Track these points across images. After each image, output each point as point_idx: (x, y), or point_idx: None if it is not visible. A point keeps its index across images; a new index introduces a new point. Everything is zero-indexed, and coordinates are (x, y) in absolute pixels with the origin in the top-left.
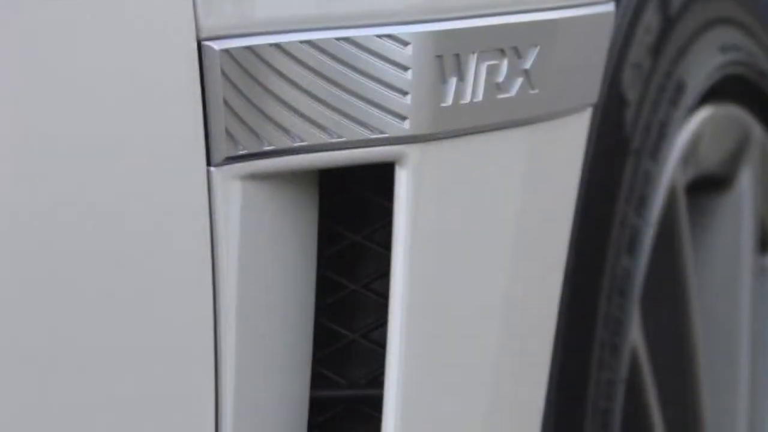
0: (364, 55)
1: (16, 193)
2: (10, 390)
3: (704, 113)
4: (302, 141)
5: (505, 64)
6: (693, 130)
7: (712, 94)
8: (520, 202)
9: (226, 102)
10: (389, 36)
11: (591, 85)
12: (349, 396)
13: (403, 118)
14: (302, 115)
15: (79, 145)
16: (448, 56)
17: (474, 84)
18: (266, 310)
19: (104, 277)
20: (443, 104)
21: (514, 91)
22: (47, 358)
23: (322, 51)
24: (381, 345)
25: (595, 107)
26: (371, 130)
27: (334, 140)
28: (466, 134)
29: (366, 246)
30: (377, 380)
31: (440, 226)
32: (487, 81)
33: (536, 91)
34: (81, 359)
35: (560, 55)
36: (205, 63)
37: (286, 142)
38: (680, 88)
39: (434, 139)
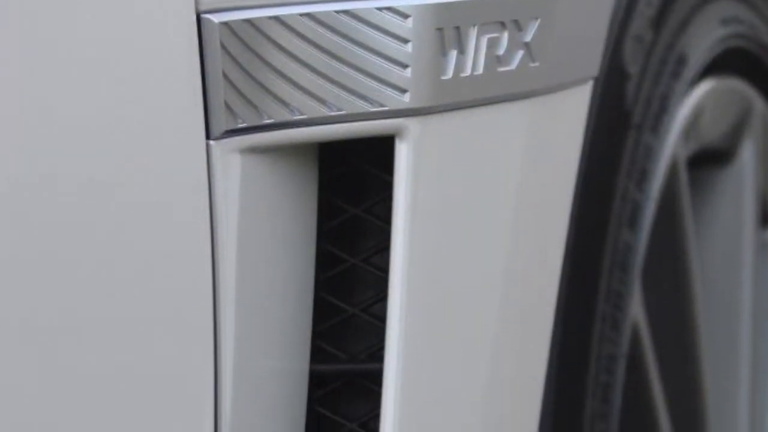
0: (364, 28)
1: (14, 164)
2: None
3: (706, 86)
4: (302, 114)
5: (505, 37)
6: (694, 104)
7: (713, 67)
8: (520, 176)
9: (225, 75)
10: (389, 8)
11: (592, 58)
12: (348, 370)
13: (403, 91)
14: (302, 88)
15: (78, 118)
16: (449, 29)
17: (474, 57)
18: (266, 284)
19: (102, 250)
20: (443, 77)
21: (514, 64)
22: (45, 321)
23: (322, 24)
24: (381, 319)
25: (596, 80)
26: (371, 103)
27: (333, 113)
28: (466, 107)
29: (366, 219)
30: (377, 354)
31: (440, 199)
32: (487, 54)
33: (537, 64)
34: (79, 327)
35: (561, 27)
36: (204, 36)
37: (285, 116)
38: (682, 61)
39: (434, 112)
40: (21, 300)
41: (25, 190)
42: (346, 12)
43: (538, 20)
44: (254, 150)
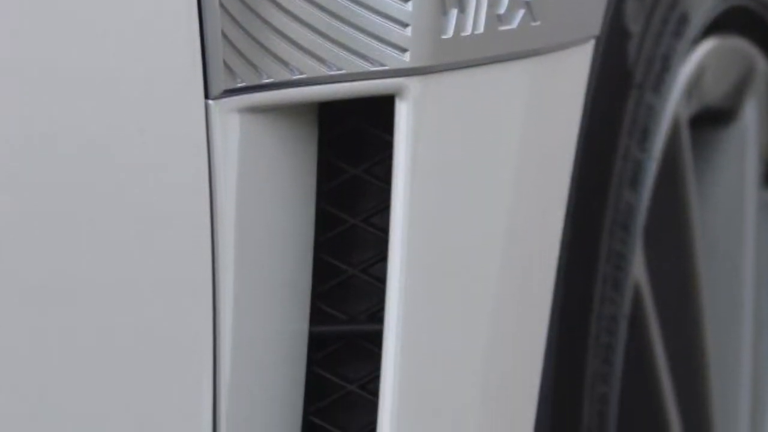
0: None
1: (12, 125)
2: None
3: (708, 46)
4: (301, 73)
5: None
6: (696, 63)
7: (715, 27)
8: (521, 136)
9: (224, 34)
10: None
11: (593, 17)
12: (348, 331)
13: (404, 50)
14: (301, 48)
15: (77, 78)
16: None
17: (475, 16)
18: (265, 245)
19: (101, 210)
20: (444, 36)
21: (515, 23)
22: (42, 271)
23: None
24: (381, 280)
25: (598, 40)
26: (371, 63)
27: (333, 73)
28: (467, 67)
29: (366, 180)
30: (377, 315)
31: (441, 159)
32: (488, 13)
33: (538, 23)
34: (76, 287)
35: None
36: None
37: (284, 75)
38: (684, 20)
39: (435, 72)
40: (19, 252)
41: (23, 150)
42: None
43: None
44: (253, 110)
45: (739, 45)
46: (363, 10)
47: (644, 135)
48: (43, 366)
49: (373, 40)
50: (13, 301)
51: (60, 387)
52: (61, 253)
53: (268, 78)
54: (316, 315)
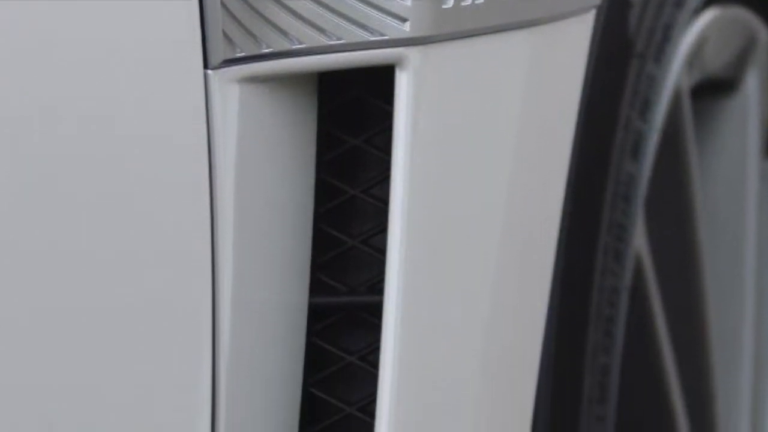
0: None
1: (11, 99)
2: None
3: (709, 15)
4: (301, 43)
5: None
6: (698, 33)
7: None
8: (521, 106)
9: (223, 4)
10: None
11: None
12: (348, 303)
13: (404, 19)
14: (301, 17)
15: (76, 48)
16: None
17: None
18: (264, 215)
19: (100, 182)
20: (444, 6)
21: None
22: (42, 248)
23: None
24: (381, 251)
25: (599, 9)
26: (371, 32)
27: (333, 42)
28: (467, 36)
29: (366, 150)
30: (377, 287)
31: (441, 129)
32: None
33: None
34: (75, 261)
35: None
36: None
37: (284, 45)
38: None
39: (435, 41)
40: (19, 221)
41: (22, 124)
42: None
43: None
44: (253, 80)
45: (741, 15)
46: None
47: (645, 105)
48: (43, 332)
49: (373, 10)
50: (12, 270)
51: (61, 352)
52: (61, 222)
53: (268, 48)
54: (315, 286)
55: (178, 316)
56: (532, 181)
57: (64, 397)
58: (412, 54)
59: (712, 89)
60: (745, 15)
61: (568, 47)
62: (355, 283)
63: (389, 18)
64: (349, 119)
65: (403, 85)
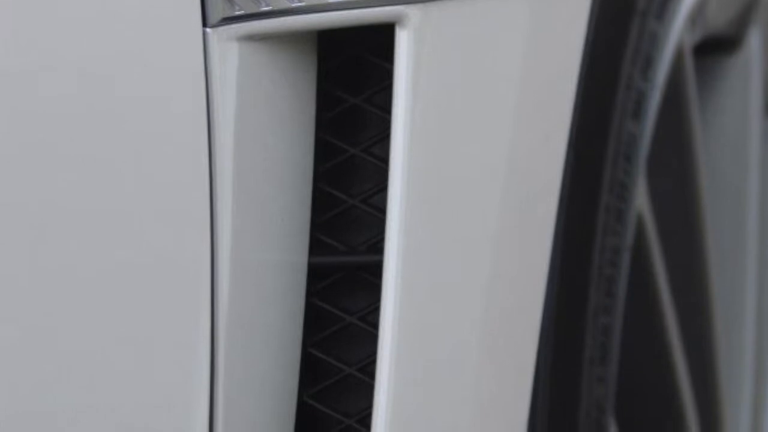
0: None
1: (10, 53)
2: None
3: None
4: (300, 1)
5: None
6: None
7: None
8: (522, 64)
9: None
10: None
11: None
12: (348, 262)
13: None
14: None
15: (74, 7)
16: None
17: None
18: (263, 175)
19: (99, 140)
20: None
21: None
22: (43, 210)
23: None
24: (381, 210)
25: None
26: None
27: (332, 0)
28: None
29: (366, 109)
30: (377, 246)
31: (441, 87)
32: None
33: None
34: (73, 219)
35: None
36: None
37: (283, 3)
38: None
39: (436, 0)
40: (18, 181)
41: (21, 80)
42: None
43: None
44: (252, 38)
45: None
46: None
47: (647, 63)
48: (43, 287)
49: None
50: (10, 228)
51: (60, 311)
52: (60, 178)
53: (267, 6)
54: (315, 246)
55: (177, 277)
56: (533, 140)
57: (62, 355)
58: (412, 12)
59: (715, 47)
60: None
61: (568, 5)
62: (354, 242)
63: None
64: (349, 78)
65: (403, 43)
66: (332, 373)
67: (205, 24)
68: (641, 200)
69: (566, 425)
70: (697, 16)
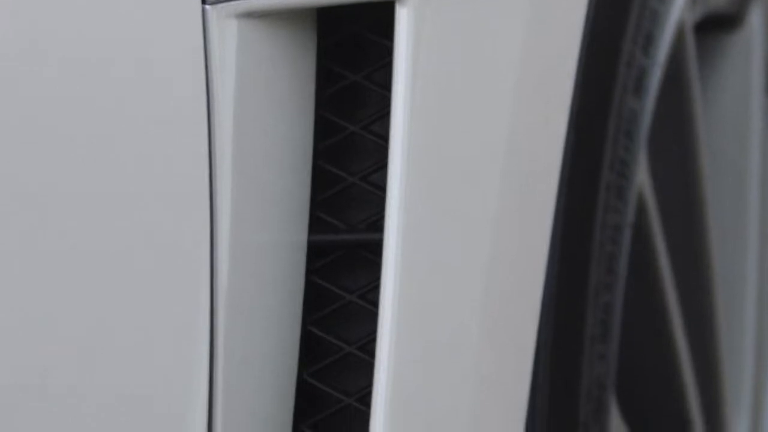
0: None
1: (10, 37)
2: None
3: None
4: None
5: None
6: None
7: None
8: (523, 41)
9: None
10: None
11: None
12: (348, 240)
13: None
14: None
15: None
16: None
17: None
18: (263, 153)
19: (98, 121)
20: None
21: None
22: (44, 189)
23: None
24: (381, 188)
25: None
26: None
27: None
28: None
29: (365, 86)
30: (377, 224)
31: (441, 65)
32: None
33: None
34: (74, 204)
35: None
36: None
37: None
38: None
39: None
40: (16, 157)
41: (19, 61)
42: None
43: None
44: (251, 15)
45: None
46: None
47: (648, 41)
48: (40, 271)
49: None
50: (10, 211)
51: (58, 294)
52: (58, 161)
53: None
54: (315, 224)
55: (176, 256)
56: (533, 118)
57: (62, 337)
58: None
59: (716, 25)
60: None
61: None
62: (354, 220)
63: None
64: (349, 55)
65: (403, 21)
66: (332, 351)
67: (204, 1)
68: (642, 177)
69: (567, 403)
70: None
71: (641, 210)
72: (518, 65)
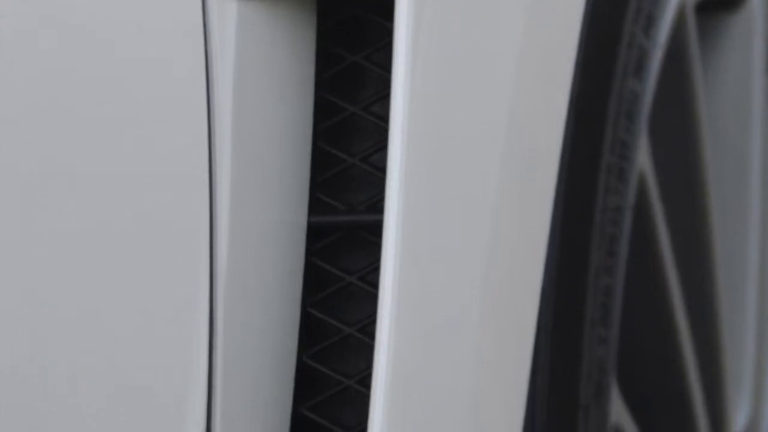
0: None
1: (5, 13)
2: None
3: None
4: None
5: None
6: None
7: None
8: (523, 21)
9: None
10: None
11: None
12: (348, 222)
13: None
14: None
15: None
16: None
17: None
18: (262, 133)
19: (98, 101)
20: None
21: None
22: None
23: None
24: (381, 169)
25: None
26: None
27: None
28: None
29: (365, 67)
30: (377, 206)
31: (442, 45)
32: None
33: None
34: (74, 179)
35: None
36: None
37: None
38: None
39: None
40: (15, 136)
41: (19, 38)
42: None
43: None
44: None
45: None
46: None
47: (649, 22)
48: (39, 250)
49: None
50: (8, 186)
51: (58, 271)
52: (59, 141)
53: None
54: (314, 205)
55: (175, 237)
56: (534, 99)
57: (59, 315)
58: None
59: (717, 5)
60: None
61: None
62: (354, 201)
63: None
64: (349, 36)
65: (403, 1)
66: (332, 333)
67: None
68: (643, 159)
69: (567, 386)
70: None
71: (642, 192)
72: (519, 47)
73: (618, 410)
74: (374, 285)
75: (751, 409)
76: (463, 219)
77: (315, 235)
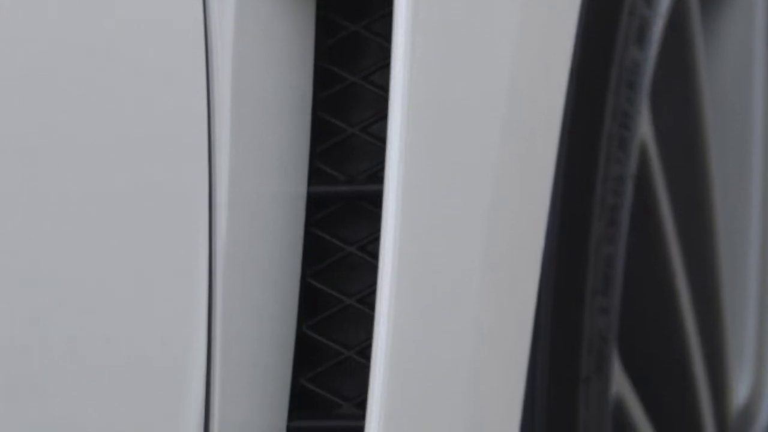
0: None
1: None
2: None
3: None
4: None
5: None
6: None
7: None
8: None
9: None
10: None
11: None
12: (348, 192)
13: None
14: None
15: None
16: None
17: None
18: (262, 102)
19: (95, 77)
20: None
21: None
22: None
23: None
24: (381, 138)
25: None
26: None
27: None
28: None
29: (365, 37)
30: (377, 176)
31: (442, 15)
32: None
33: None
34: (74, 159)
35: None
36: None
37: None
38: None
39: None
40: (15, 122)
41: (18, 29)
42: None
43: None
44: None
45: None
46: None
47: None
48: (38, 218)
49: None
50: (9, 160)
51: (58, 243)
52: (58, 120)
53: None
54: (314, 175)
55: (174, 206)
56: (535, 68)
57: (59, 286)
58: None
59: None
60: None
61: None
62: (354, 171)
63: None
64: (348, 5)
65: None
66: (331, 304)
67: None
68: (645, 128)
69: (569, 356)
70: None
71: (644, 161)
72: (519, 14)
73: (619, 380)
74: (374, 255)
75: (752, 380)
76: (464, 189)
77: (315, 205)
